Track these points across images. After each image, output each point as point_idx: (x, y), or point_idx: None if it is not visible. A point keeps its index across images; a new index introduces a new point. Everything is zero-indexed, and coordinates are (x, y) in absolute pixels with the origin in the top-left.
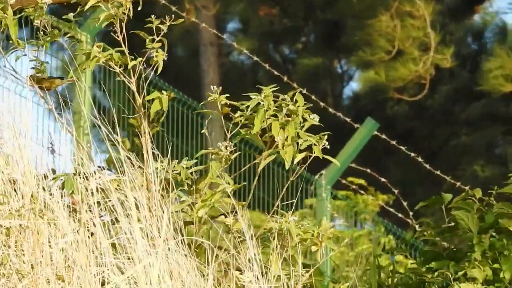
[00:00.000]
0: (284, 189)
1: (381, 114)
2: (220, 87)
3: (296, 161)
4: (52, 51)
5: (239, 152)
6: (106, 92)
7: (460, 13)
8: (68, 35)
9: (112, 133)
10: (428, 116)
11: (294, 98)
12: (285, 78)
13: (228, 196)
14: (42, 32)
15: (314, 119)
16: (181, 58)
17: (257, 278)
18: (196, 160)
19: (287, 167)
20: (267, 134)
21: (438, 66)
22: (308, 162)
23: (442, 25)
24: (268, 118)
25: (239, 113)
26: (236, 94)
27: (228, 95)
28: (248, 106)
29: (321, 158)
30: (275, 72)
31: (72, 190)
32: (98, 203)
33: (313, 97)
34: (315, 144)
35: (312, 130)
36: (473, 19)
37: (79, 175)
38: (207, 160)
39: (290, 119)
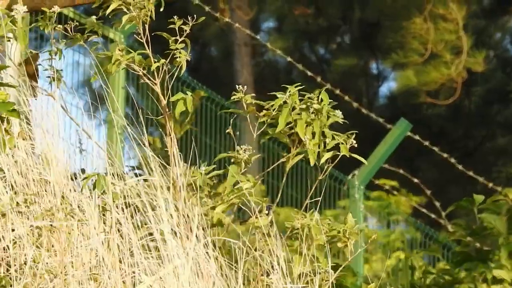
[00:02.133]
0: (313, 188)
1: (415, 115)
2: (252, 87)
3: (323, 160)
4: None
5: (259, 155)
6: (140, 92)
7: (494, 14)
8: (99, 35)
9: (145, 133)
10: (462, 117)
11: (320, 97)
12: (319, 79)
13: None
14: (60, 38)
15: (338, 115)
16: (215, 58)
17: (282, 278)
18: (215, 166)
19: (311, 163)
20: (293, 133)
21: (470, 69)
22: (336, 161)
23: (474, 29)
24: (293, 117)
25: (264, 112)
26: (270, 94)
27: (253, 94)
28: (273, 105)
29: (348, 156)
30: (309, 73)
31: (103, 190)
32: (128, 204)
33: (346, 97)
34: (342, 143)
35: (342, 130)
36: (508, 20)
37: (112, 175)
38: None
39: (315, 117)
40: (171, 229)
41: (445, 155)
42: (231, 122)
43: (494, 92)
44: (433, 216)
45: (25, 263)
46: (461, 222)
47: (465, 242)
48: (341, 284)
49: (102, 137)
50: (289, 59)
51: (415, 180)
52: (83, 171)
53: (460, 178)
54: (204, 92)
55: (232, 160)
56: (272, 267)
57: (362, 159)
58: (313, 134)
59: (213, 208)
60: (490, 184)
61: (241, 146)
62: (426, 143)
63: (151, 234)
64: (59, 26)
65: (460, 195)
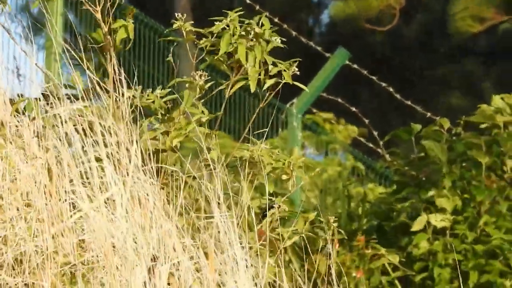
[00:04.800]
0: (254, 116)
1: (356, 44)
2: (191, 15)
3: (265, 87)
4: None
5: (214, 82)
6: (79, 19)
7: None
8: None
9: (84, 59)
10: (404, 47)
11: (260, 22)
12: (257, 7)
13: (201, 126)
14: None
15: (277, 41)
16: None
17: (224, 209)
18: (170, 89)
19: (252, 90)
20: (233, 59)
21: None
22: (278, 88)
23: None
24: (234, 43)
25: (204, 39)
26: (210, 19)
27: (192, 22)
28: (212, 32)
29: (291, 84)
30: (248, 0)
31: (34, 113)
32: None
33: (285, 26)
34: (284, 70)
35: (283, 58)
36: None
37: (46, 99)
38: (179, 88)
39: (256, 43)
40: (111, 154)
41: (383, 84)
42: (170, 50)
43: (434, 20)
44: (371, 145)
45: None
46: (398, 151)
47: (402, 171)
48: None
49: (40, 63)
50: None
51: (353, 109)
52: (21, 97)
53: (400, 108)
54: (141, 17)
55: (186, 86)
56: (216, 196)
57: (304, 87)
58: (255, 60)
59: (166, 133)
60: (428, 114)
61: (197, 72)
62: (365, 72)
63: (89, 161)
64: None
65: (400, 125)
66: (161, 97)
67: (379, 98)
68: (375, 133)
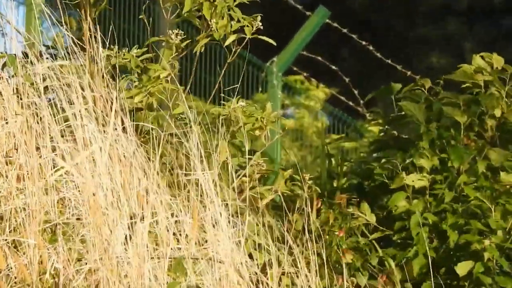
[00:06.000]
0: (223, 71)
1: (337, 4)
2: None
3: (227, 42)
4: None
5: (190, 40)
6: None
7: None
8: None
9: (62, 14)
10: (385, 6)
11: None
12: None
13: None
14: None
15: None
16: None
17: (203, 169)
18: (146, 49)
19: (216, 37)
20: (202, 16)
21: None
22: (243, 44)
23: None
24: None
25: None
26: None
27: None
28: None
29: (251, 38)
30: None
31: (13, 70)
32: (46, 87)
33: None
34: (247, 26)
35: (263, 18)
36: None
37: (26, 56)
38: (158, 47)
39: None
40: (91, 111)
41: (363, 42)
42: (148, 6)
43: None
44: (351, 103)
45: None
46: (379, 110)
47: (382, 130)
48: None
49: (21, 19)
50: None
51: (334, 68)
52: (1, 54)
53: (381, 68)
54: None
55: (163, 44)
56: (193, 154)
57: (270, 40)
58: (221, 16)
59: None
60: (409, 73)
61: (173, 31)
62: (345, 30)
63: (68, 118)
64: None
65: (380, 85)
66: (137, 56)
67: (359, 57)
68: (355, 92)
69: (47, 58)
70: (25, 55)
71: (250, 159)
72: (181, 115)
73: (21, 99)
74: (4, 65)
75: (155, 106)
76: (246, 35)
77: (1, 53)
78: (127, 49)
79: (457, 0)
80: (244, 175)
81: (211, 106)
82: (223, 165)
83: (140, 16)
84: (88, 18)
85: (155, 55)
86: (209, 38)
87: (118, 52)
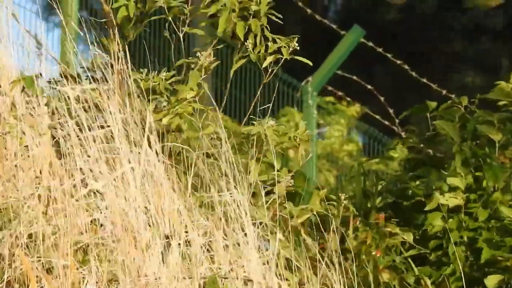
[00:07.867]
0: (260, 90)
1: (371, 21)
2: None
3: (265, 63)
4: None
5: (219, 61)
6: None
7: None
8: None
9: (97, 36)
10: (419, 23)
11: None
12: None
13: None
14: None
15: (277, 17)
16: None
17: (233, 182)
18: (174, 72)
19: (254, 59)
20: (237, 36)
21: None
22: (280, 64)
23: None
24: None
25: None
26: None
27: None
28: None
29: (289, 59)
30: None
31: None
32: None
33: (299, 3)
34: (284, 47)
35: (299, 37)
36: None
37: (66, 78)
38: (189, 69)
39: (255, 19)
40: (122, 133)
41: (398, 62)
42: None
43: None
44: (386, 123)
45: None
46: (414, 129)
47: (418, 148)
48: (295, 192)
49: (55, 41)
50: None
51: (369, 87)
52: (40, 75)
53: (415, 86)
54: None
55: (192, 66)
56: (225, 173)
57: (307, 61)
58: (256, 37)
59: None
60: (444, 91)
61: (202, 53)
62: (380, 49)
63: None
64: None
65: (415, 103)
66: (166, 79)
67: (393, 76)
68: (391, 111)
69: (80, 80)
70: (62, 76)
71: (279, 175)
72: (212, 134)
73: (52, 120)
74: (23, 88)
75: (184, 127)
76: (282, 55)
77: (18, 78)
78: (156, 71)
79: (492, 16)
80: (274, 193)
81: (240, 126)
82: (255, 185)
83: (165, 34)
84: (117, 39)
85: (185, 76)
86: (245, 59)
87: (147, 75)
